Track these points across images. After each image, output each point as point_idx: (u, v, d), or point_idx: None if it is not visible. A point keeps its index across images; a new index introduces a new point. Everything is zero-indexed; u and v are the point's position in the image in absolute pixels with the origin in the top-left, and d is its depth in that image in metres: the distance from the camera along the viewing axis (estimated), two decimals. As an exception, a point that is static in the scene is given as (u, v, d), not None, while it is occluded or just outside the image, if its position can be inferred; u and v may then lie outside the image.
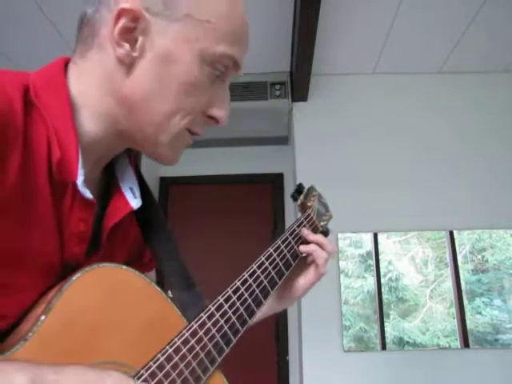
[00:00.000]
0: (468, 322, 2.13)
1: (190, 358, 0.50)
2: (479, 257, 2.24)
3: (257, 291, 0.61)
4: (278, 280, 0.65)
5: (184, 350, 0.50)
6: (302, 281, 0.74)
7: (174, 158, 0.54)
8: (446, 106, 2.50)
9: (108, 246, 0.55)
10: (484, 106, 2.49)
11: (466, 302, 2.16)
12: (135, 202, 0.55)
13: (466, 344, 2.10)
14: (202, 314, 0.54)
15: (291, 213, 2.81)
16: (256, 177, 3.00)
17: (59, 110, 0.46)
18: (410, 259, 2.28)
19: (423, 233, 2.30)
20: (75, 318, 0.43)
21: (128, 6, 0.45)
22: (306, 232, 0.74)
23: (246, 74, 2.56)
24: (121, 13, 0.45)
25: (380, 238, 2.30)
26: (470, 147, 2.42)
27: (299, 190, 0.81)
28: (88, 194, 0.48)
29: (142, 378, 0.45)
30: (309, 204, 0.80)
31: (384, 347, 2.13)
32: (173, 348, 0.49)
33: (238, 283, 0.59)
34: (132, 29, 0.46)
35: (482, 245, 2.26)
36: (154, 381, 0.46)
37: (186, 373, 0.49)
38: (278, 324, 2.66)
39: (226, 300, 0.57)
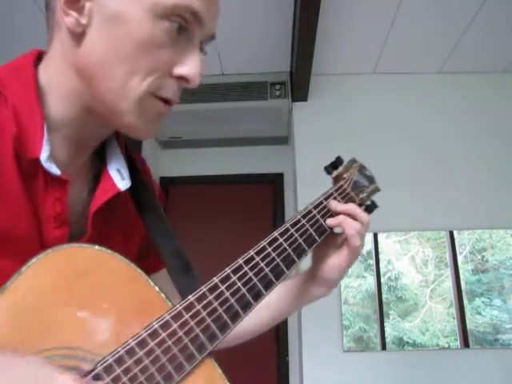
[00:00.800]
0: (468, 322, 2.13)
1: (169, 343, 0.44)
2: (479, 257, 2.24)
3: (266, 270, 0.53)
4: (296, 258, 0.57)
5: (163, 334, 0.44)
6: (335, 260, 0.64)
7: (145, 129, 0.50)
8: (446, 105, 2.50)
9: (99, 232, 0.53)
10: (484, 106, 2.49)
11: (466, 302, 2.16)
12: (123, 184, 0.54)
13: (465, 344, 2.10)
14: (189, 296, 0.47)
15: (291, 213, 2.81)
16: (256, 177, 3.00)
17: (24, 95, 0.46)
18: (410, 259, 2.28)
19: (423, 233, 2.30)
20: (28, 300, 0.40)
21: None
22: (334, 203, 0.64)
23: (245, 74, 2.56)
24: None
25: (380, 237, 2.30)
26: (469, 147, 2.42)
27: (335, 163, 0.74)
28: (54, 170, 0.47)
29: (93, 373, 0.40)
30: (344, 176, 0.71)
31: (384, 347, 2.13)
32: (148, 332, 0.44)
33: (241, 261, 0.53)
34: None
35: (482, 245, 2.26)
36: (109, 377, 0.41)
37: (164, 360, 0.43)
38: (278, 324, 2.66)
39: (223, 280, 0.50)
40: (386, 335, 2.15)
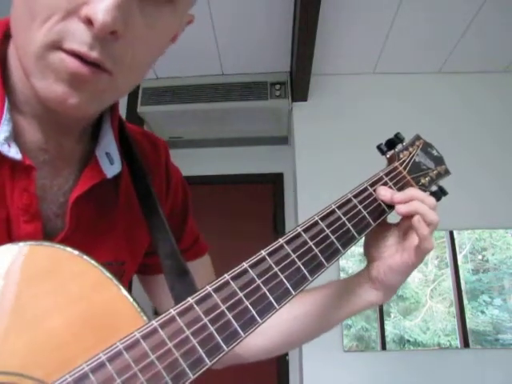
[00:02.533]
0: (468, 321, 2.13)
1: (135, 370, 0.33)
2: (479, 256, 2.24)
3: (281, 276, 0.41)
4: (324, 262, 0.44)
5: (128, 359, 0.34)
6: (397, 259, 0.51)
7: (56, 95, 0.36)
8: (446, 105, 2.50)
9: (86, 228, 0.46)
10: (484, 106, 2.49)
11: (466, 301, 2.16)
12: (111, 169, 0.46)
13: (466, 344, 2.10)
14: (170, 310, 0.37)
15: (291, 213, 2.81)
16: (256, 177, 3.00)
17: None
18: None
19: (423, 233, 2.30)
20: None
21: None
22: (384, 190, 0.51)
23: (246, 74, 2.56)
24: None
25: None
26: (469, 147, 2.42)
27: (391, 141, 0.61)
28: (13, 153, 0.39)
29: None
30: (401, 155, 0.59)
31: (384, 347, 2.13)
32: (108, 355, 0.33)
33: (246, 265, 0.41)
34: None
35: (483, 244, 2.26)
36: None
37: None
38: (278, 324, 2.66)
39: (217, 289, 0.39)
40: (386, 334, 2.15)
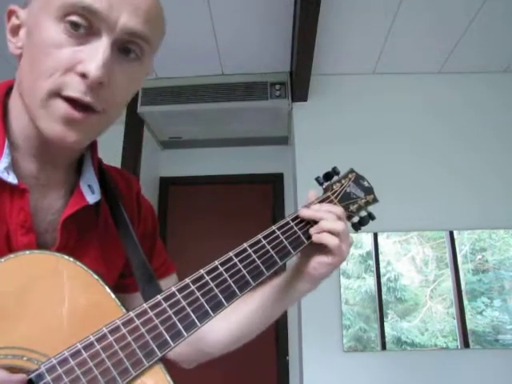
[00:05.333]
0: (468, 322, 2.13)
1: (116, 348, 0.45)
2: (479, 257, 2.24)
3: (229, 281, 0.53)
4: (264, 270, 0.57)
5: (111, 339, 0.45)
6: (323, 258, 0.64)
7: (56, 133, 0.49)
8: (446, 106, 2.50)
9: (73, 244, 0.56)
10: (484, 106, 2.49)
11: (466, 302, 2.16)
12: (92, 197, 0.58)
13: (466, 344, 2.10)
14: (143, 304, 0.49)
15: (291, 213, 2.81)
16: (256, 177, 3.00)
17: None
18: (411, 259, 2.28)
19: (423, 232, 2.30)
20: None
21: (12, 6, 0.53)
22: (304, 210, 0.64)
23: (245, 74, 2.56)
24: (8, 14, 0.53)
25: (380, 238, 2.30)
26: (470, 147, 2.42)
27: (328, 174, 0.71)
28: (11, 179, 0.50)
29: (36, 373, 0.42)
30: (334, 187, 0.69)
31: (384, 347, 2.13)
32: (96, 336, 0.45)
33: (203, 272, 0.53)
34: (18, 25, 0.52)
35: (483, 245, 2.25)
36: (50, 377, 0.42)
37: (108, 364, 0.44)
38: (278, 324, 2.66)
39: (181, 290, 0.51)
40: (386, 334, 2.15)
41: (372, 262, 2.27)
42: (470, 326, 2.12)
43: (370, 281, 2.24)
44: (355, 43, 2.33)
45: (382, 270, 2.25)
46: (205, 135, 2.94)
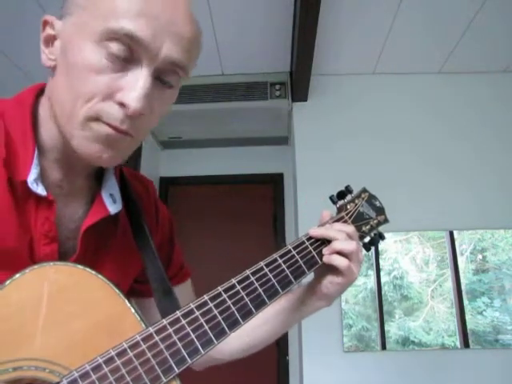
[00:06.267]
0: (468, 322, 2.13)
1: (136, 363, 0.45)
2: (480, 257, 2.24)
3: (246, 299, 0.54)
4: (280, 289, 0.58)
5: (131, 354, 0.46)
6: (335, 278, 0.65)
7: (95, 153, 0.49)
8: (446, 106, 2.50)
9: (92, 253, 0.56)
10: (484, 106, 2.49)
11: (466, 302, 2.16)
12: (114, 207, 0.58)
13: (466, 344, 2.10)
14: (163, 320, 0.49)
15: (291, 213, 2.81)
16: (256, 177, 3.00)
17: (20, 124, 0.52)
18: (411, 259, 2.28)
19: (424, 232, 2.30)
20: (8, 312, 0.43)
21: (47, 16, 0.52)
22: (313, 230, 0.65)
23: (245, 74, 2.56)
24: (43, 23, 0.52)
25: (380, 238, 2.30)
26: (470, 147, 2.42)
27: (342, 193, 0.72)
28: (40, 191, 0.50)
29: None
30: (348, 206, 0.71)
31: (384, 347, 2.13)
32: (117, 351, 0.45)
33: (221, 289, 0.54)
34: (53, 36, 0.51)
35: (483, 245, 2.25)
36: None
37: (128, 379, 0.45)
38: (278, 324, 2.66)
39: (200, 307, 0.51)
40: (390, 334, 2.14)
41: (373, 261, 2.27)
42: (470, 325, 2.12)
43: (372, 280, 2.24)
44: (355, 43, 2.33)
45: (389, 268, 2.25)
46: (205, 135, 2.94)
